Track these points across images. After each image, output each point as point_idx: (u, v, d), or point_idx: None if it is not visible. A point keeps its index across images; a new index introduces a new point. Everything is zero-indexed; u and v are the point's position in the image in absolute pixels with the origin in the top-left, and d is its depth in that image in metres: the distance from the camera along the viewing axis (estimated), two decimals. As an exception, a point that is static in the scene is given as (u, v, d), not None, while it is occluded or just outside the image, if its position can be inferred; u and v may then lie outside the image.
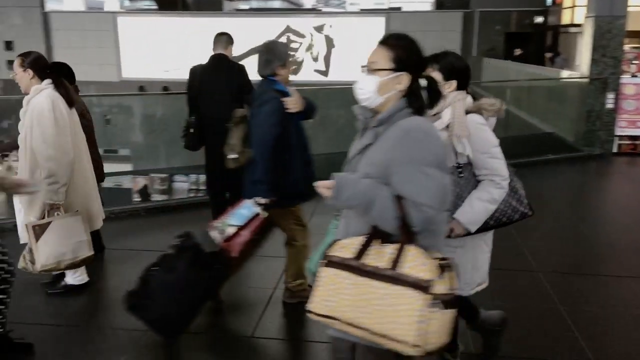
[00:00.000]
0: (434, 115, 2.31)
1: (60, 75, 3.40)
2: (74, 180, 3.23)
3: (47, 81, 3.20)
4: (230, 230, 2.98)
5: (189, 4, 21.47)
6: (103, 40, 18.33)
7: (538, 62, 14.58)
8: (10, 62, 19.04)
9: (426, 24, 17.57)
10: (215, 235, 3.01)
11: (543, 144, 8.70)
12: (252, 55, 17.96)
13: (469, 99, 2.38)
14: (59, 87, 3.24)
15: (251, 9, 23.16)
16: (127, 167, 19.23)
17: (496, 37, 17.47)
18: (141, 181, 19.37)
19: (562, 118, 9.23)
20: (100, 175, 4.08)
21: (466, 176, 2.34)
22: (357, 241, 1.70)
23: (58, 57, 18.68)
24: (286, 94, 3.15)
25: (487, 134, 2.34)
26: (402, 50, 1.73)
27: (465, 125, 2.28)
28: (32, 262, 3.07)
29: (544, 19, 17.64)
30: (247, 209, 3.02)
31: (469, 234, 2.34)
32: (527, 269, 4.11)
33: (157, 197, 19.60)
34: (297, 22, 18.23)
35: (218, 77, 4.52)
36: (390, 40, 1.75)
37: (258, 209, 3.02)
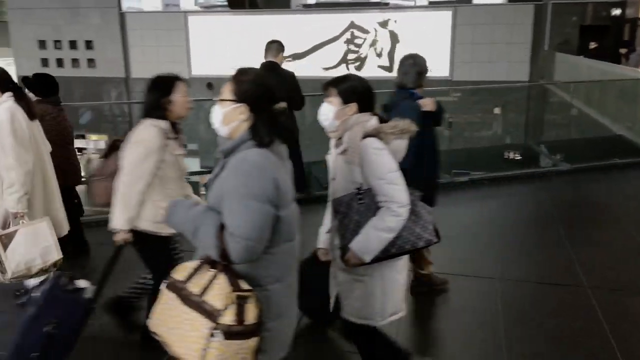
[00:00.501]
0: (338, 140, 2.34)
1: (21, 89, 3.56)
2: (36, 189, 3.31)
3: (8, 94, 3.27)
4: None
5: (258, 1, 21.90)
6: (174, 39, 19.06)
7: (613, 57, 13.79)
8: (91, 61, 20.27)
9: (495, 17, 17.02)
10: None
11: (613, 147, 8.30)
12: (317, 51, 18.23)
13: (372, 121, 2.33)
14: (20, 99, 3.32)
15: (317, 4, 23.20)
16: (195, 161, 20.02)
17: (570, 30, 16.65)
18: (208, 176, 20.32)
19: (634, 119, 8.75)
20: (76, 180, 4.27)
21: (366, 203, 2.26)
22: (194, 265, 1.79)
23: (133, 55, 19.67)
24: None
25: (383, 159, 2.25)
26: (243, 83, 1.85)
27: (358, 150, 2.24)
28: (3, 271, 3.09)
29: (621, 11, 16.63)
30: None
31: (369, 262, 2.26)
32: (575, 283, 3.98)
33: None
34: (361, 17, 18.16)
35: None
36: (236, 74, 1.88)
37: None
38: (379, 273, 2.34)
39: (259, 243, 1.73)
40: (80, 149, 22.85)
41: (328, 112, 2.35)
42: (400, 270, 2.42)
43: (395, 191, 2.24)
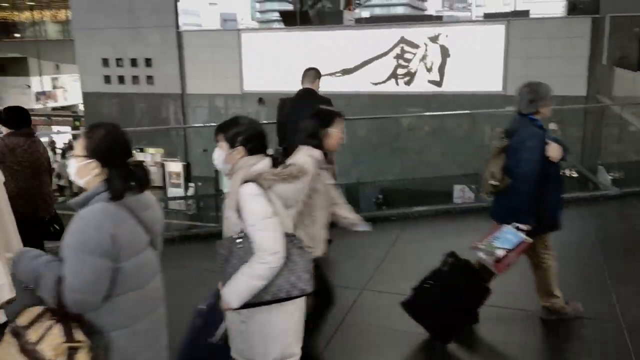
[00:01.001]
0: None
1: None
2: None
3: None
4: (500, 253, 3.33)
5: (311, 16, 22.30)
6: (228, 56, 19.61)
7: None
8: (150, 78, 21.13)
9: (551, 31, 16.60)
10: (481, 255, 3.41)
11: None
12: (366, 66, 18.32)
13: (259, 165, 2.33)
14: None
15: (368, 19, 23.43)
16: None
17: (629, 44, 16.05)
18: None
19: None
20: (48, 211, 4.28)
21: (245, 247, 2.25)
22: (38, 310, 1.82)
23: (189, 71, 20.36)
24: (543, 129, 3.51)
25: (256, 205, 2.23)
26: (92, 140, 1.91)
27: (235, 195, 2.25)
28: None
29: (686, 22, 15.89)
30: (512, 234, 3.38)
31: (240, 308, 2.28)
32: (610, 318, 3.81)
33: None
34: (411, 32, 18.14)
35: (304, 110, 4.78)
36: (87, 131, 1.95)
37: (523, 235, 3.34)
38: (258, 318, 2.34)
39: (91, 295, 1.80)
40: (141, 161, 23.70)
41: (218, 156, 2.40)
42: (288, 315, 2.39)
43: (266, 239, 2.23)
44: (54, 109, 32.65)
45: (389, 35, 18.39)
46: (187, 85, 20.58)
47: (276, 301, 2.29)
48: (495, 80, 17.09)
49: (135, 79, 21.16)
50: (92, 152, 1.93)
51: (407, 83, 18.56)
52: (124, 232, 1.88)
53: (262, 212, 2.24)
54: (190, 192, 20.44)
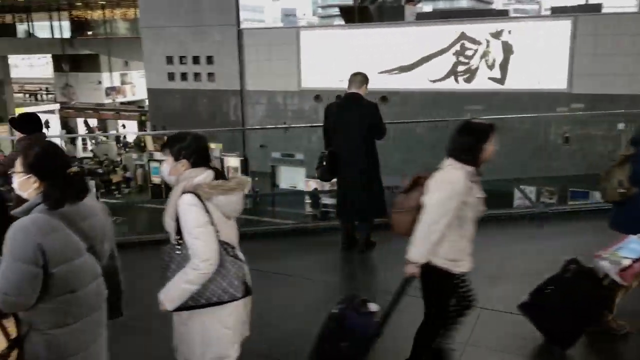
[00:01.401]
0: None
1: None
2: None
3: None
4: (626, 262, 3.33)
5: (371, 11, 22.19)
6: (286, 53, 19.85)
7: None
8: (211, 75, 21.71)
9: (620, 27, 15.77)
10: (605, 264, 3.41)
11: None
12: (425, 63, 18.05)
13: (201, 177, 2.43)
14: None
15: (430, 13, 23.00)
16: (302, 170, 20.54)
17: None
18: (312, 184, 20.50)
19: None
20: None
21: (183, 254, 2.38)
22: None
23: (248, 69, 20.77)
24: None
25: (191, 215, 2.34)
26: (29, 158, 2.11)
27: (174, 205, 2.39)
28: None
29: None
30: (637, 244, 3.39)
31: (174, 310, 2.41)
32: None
33: (326, 201, 20.58)
34: (472, 28, 17.70)
35: (350, 115, 4.83)
36: (24, 149, 2.17)
37: None
38: (198, 320, 2.47)
39: (19, 297, 1.99)
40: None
41: (164, 169, 2.54)
42: (223, 319, 2.49)
43: (199, 246, 2.35)
44: (122, 103, 34.16)
45: (449, 32, 18.03)
46: (246, 82, 21.00)
47: (210, 305, 2.43)
48: (559, 77, 16.43)
49: (197, 76, 21.79)
50: (29, 168, 2.12)
51: (467, 80, 18.14)
52: (53, 241, 2.03)
53: (197, 221, 2.36)
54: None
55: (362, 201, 4.89)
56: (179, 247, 2.41)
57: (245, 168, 21.16)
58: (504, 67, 17.39)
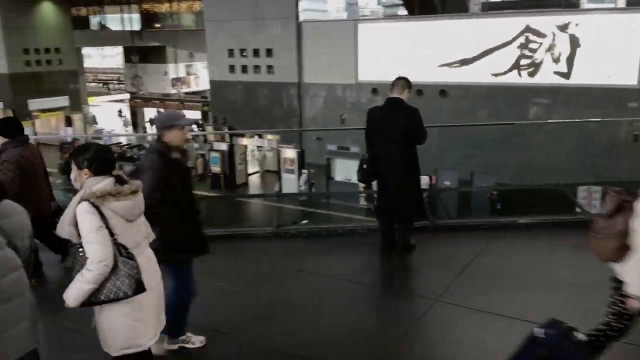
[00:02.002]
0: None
1: None
2: None
3: None
4: None
5: (435, 4, 21.79)
6: (344, 46, 19.82)
7: None
8: (270, 67, 22.01)
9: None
10: None
11: None
12: (487, 56, 17.55)
13: (101, 184, 2.63)
14: None
15: (495, 3, 22.12)
16: (357, 163, 20.53)
17: None
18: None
19: None
20: (48, 208, 4.71)
21: (85, 256, 2.61)
22: None
23: (307, 62, 20.92)
24: None
25: (85, 222, 2.58)
26: None
27: (72, 211, 2.61)
28: None
29: None
30: None
31: (77, 307, 2.66)
32: None
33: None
34: (538, 21, 17.03)
35: (391, 119, 4.83)
36: None
37: None
38: (105, 314, 2.75)
39: None
40: (259, 147, 24.98)
41: (72, 177, 2.76)
42: (129, 314, 2.74)
43: (92, 249, 2.59)
44: (186, 93, 35.25)
45: (513, 24, 17.44)
46: (304, 75, 21.15)
47: (109, 301, 2.67)
48: (630, 73, 15.57)
49: (256, 69, 22.17)
50: None
51: (531, 74, 17.50)
52: None
53: (90, 227, 2.59)
54: (303, 178, 21.06)
55: (401, 204, 4.90)
56: (82, 249, 2.64)
57: (301, 160, 21.37)
58: (570, 61, 16.65)
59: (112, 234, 2.63)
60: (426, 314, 4.01)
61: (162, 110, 34.37)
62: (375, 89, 19.44)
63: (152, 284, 2.82)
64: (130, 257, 2.68)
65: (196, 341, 3.60)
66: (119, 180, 2.73)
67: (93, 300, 2.66)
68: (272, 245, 5.55)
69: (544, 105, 17.46)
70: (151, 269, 2.88)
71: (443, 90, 18.58)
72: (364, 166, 4.99)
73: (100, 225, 2.59)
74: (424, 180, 19.79)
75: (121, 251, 2.66)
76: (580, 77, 16.54)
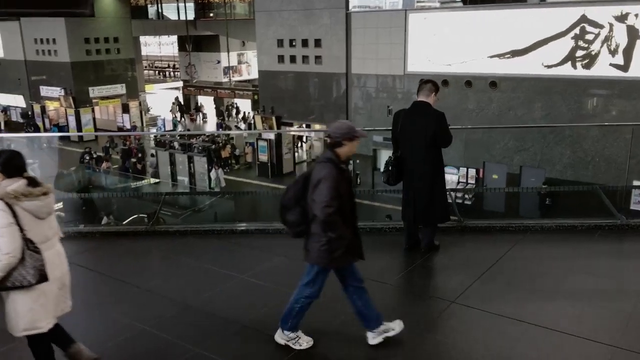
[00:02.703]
0: None
1: None
2: None
3: None
4: None
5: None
6: (393, 36, 19.68)
7: None
8: (318, 57, 22.11)
9: None
10: None
11: None
12: (539, 48, 17.02)
13: (14, 185, 3.05)
14: None
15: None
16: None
17: None
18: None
19: None
20: None
21: None
22: None
23: (354, 52, 20.89)
24: None
25: None
26: None
27: None
28: None
29: None
30: None
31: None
32: None
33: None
34: (594, 11, 16.36)
35: (416, 123, 4.90)
36: None
37: None
38: (11, 298, 3.15)
39: None
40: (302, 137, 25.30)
41: None
42: (33, 298, 3.13)
43: (2, 242, 3.00)
44: (238, 82, 35.90)
45: (568, 14, 16.81)
46: (352, 65, 21.15)
47: (15, 288, 3.07)
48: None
49: (305, 59, 22.33)
50: None
51: (586, 66, 16.85)
52: None
53: (2, 223, 2.99)
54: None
55: (425, 206, 4.97)
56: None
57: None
58: (628, 53, 15.93)
59: (21, 230, 3.04)
60: (440, 315, 4.09)
61: (232, 99, 35.14)
62: (423, 80, 19.25)
63: (56, 275, 3.24)
64: (37, 251, 3.10)
65: (303, 343, 3.74)
66: (32, 182, 3.16)
67: (1, 286, 3.07)
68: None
69: (602, 98, 16.82)
70: (58, 261, 3.30)
71: (493, 82, 18.19)
72: (390, 168, 5.08)
73: (11, 221, 3.01)
74: (471, 173, 19.62)
75: (29, 245, 3.08)
76: (638, 69, 15.83)
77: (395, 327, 3.73)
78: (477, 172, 19.17)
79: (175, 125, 32.82)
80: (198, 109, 36.36)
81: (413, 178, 5.00)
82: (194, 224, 6.84)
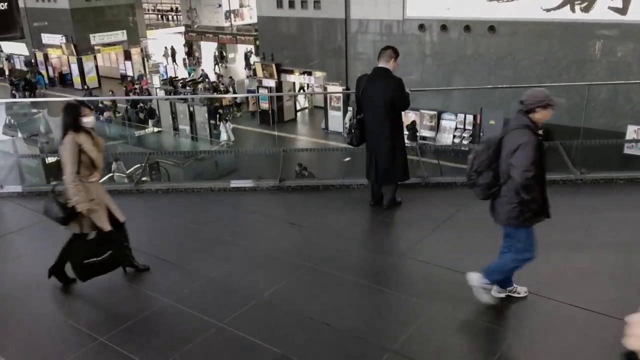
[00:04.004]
0: None
1: None
2: None
3: None
4: None
5: None
6: (392, -20, 19.38)
7: None
8: (317, 2, 21.84)
9: None
10: None
11: None
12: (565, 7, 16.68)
13: None
14: None
15: None
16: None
17: None
18: (411, 117, 20.58)
19: None
20: None
21: None
22: None
23: (354, -4, 20.64)
24: None
25: None
26: None
27: None
28: None
29: None
30: None
31: None
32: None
33: (425, 133, 20.70)
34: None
35: (376, 88, 5.20)
36: None
37: None
38: None
39: None
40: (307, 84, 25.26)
41: None
42: None
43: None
44: (240, 27, 35.47)
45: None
46: (351, 10, 20.93)
47: None
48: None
49: (304, 4, 22.08)
50: None
51: (585, 10, 16.64)
52: None
53: None
54: (348, 115, 21.37)
55: (386, 166, 5.35)
56: None
57: (346, 97, 21.59)
58: (628, -5, 15.70)
59: None
60: (392, 268, 4.55)
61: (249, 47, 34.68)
62: (422, 25, 19.13)
63: None
64: None
65: (521, 291, 4.05)
66: None
67: None
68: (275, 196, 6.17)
69: (601, 41, 16.68)
70: None
71: (492, 27, 18.03)
72: (353, 130, 5.42)
73: None
74: (469, 119, 19.74)
75: None
76: (638, 13, 15.63)
77: (521, 291, 4.06)
78: (475, 118, 19.33)
79: (189, 74, 32.57)
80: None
81: (374, 139, 5.35)
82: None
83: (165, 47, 36.29)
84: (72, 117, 4.10)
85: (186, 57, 36.12)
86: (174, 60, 35.50)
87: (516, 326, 3.83)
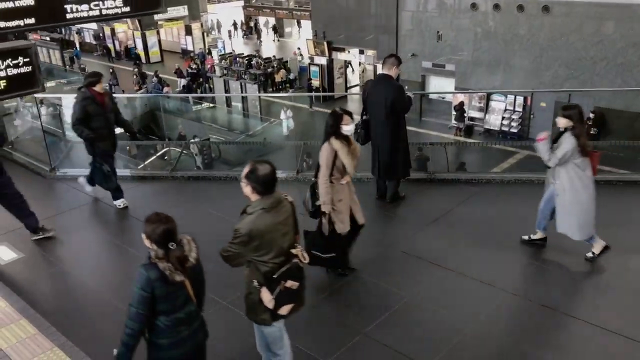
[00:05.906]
0: None
1: None
2: None
3: None
4: None
5: None
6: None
7: None
8: None
9: None
10: None
11: None
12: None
13: None
14: None
15: None
16: (451, 82, 20.46)
17: None
18: (460, 97, 20.54)
19: None
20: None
21: None
22: None
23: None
24: None
25: None
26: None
27: None
28: None
29: None
30: None
31: None
32: None
33: (474, 114, 20.78)
34: None
35: (378, 93, 5.67)
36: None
37: None
38: None
39: None
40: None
41: None
42: None
43: None
44: (298, 1, 35.76)
45: None
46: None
47: None
48: None
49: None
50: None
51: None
52: None
53: None
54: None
55: (389, 164, 5.84)
56: None
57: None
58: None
59: None
60: (385, 262, 5.04)
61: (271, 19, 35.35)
62: (474, 4, 18.90)
63: None
64: None
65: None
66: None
67: None
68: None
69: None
70: None
71: (546, 6, 17.60)
72: (358, 130, 5.90)
73: None
74: (519, 101, 19.41)
75: None
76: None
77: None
78: (525, 100, 19.04)
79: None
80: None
81: (377, 138, 5.84)
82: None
83: (234, 20, 37.16)
84: (334, 124, 4.41)
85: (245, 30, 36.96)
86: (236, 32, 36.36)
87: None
